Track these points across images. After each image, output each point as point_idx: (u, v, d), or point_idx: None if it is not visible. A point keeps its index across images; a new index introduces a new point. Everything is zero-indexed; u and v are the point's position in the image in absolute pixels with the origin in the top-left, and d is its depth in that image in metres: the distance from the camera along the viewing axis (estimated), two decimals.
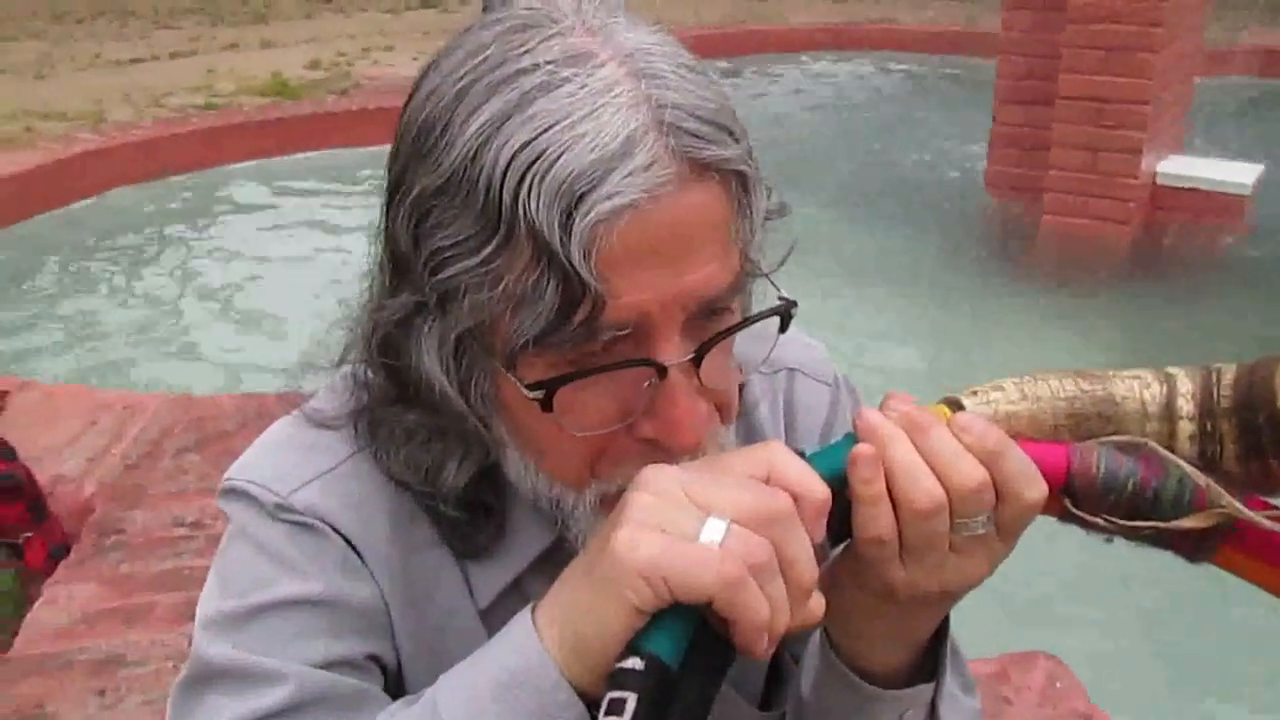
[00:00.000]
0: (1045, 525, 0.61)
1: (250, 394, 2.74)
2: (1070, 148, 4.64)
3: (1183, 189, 4.78)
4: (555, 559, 0.67)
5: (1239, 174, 4.82)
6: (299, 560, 0.66)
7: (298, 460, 0.69)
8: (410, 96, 0.62)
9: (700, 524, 0.52)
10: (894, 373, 3.54)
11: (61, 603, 2.01)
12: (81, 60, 8.39)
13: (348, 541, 0.68)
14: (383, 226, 0.63)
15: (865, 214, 4.92)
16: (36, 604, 2.02)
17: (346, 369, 0.71)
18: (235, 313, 4.11)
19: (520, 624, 0.57)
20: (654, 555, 0.51)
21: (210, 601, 0.67)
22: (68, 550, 2.23)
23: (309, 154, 6.00)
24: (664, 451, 0.59)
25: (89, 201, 5.21)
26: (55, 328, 3.91)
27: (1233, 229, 4.69)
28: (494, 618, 0.69)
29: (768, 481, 0.54)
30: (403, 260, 0.61)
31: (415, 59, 8.25)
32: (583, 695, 0.55)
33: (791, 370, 0.80)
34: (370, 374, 0.69)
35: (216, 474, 2.34)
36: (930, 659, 0.68)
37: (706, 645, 0.53)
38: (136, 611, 1.97)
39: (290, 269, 4.51)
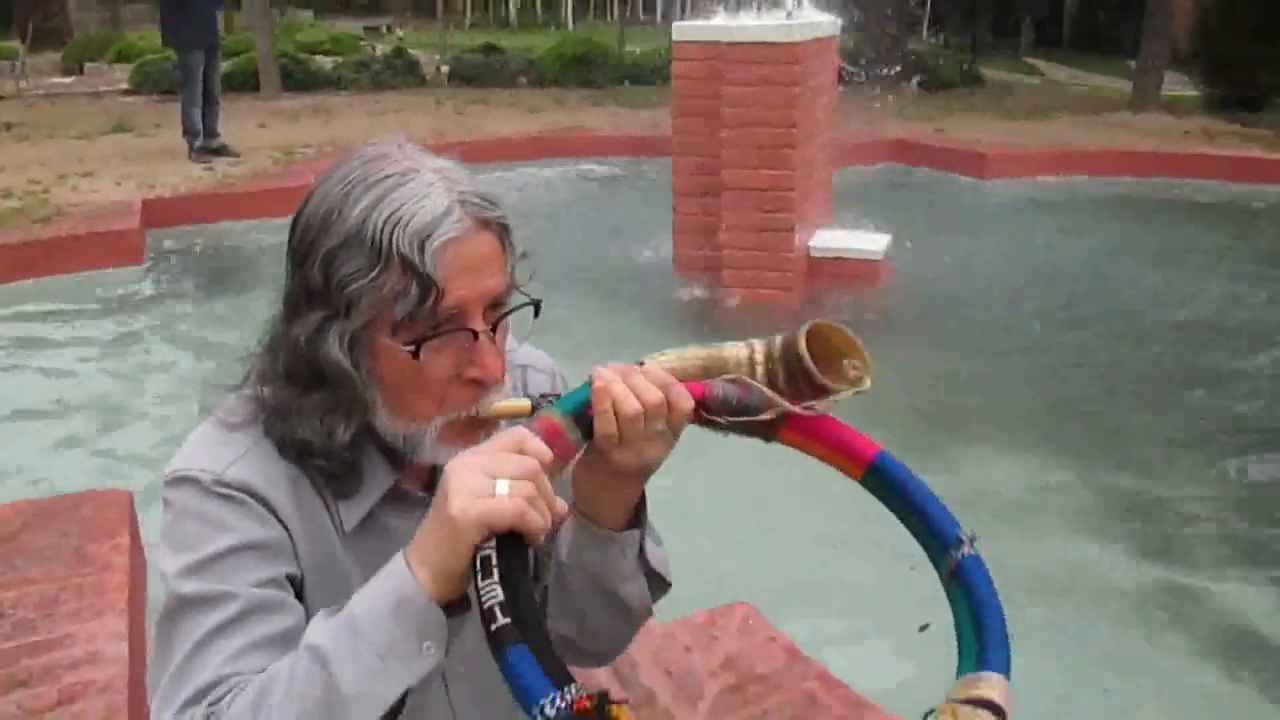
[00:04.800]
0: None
1: (28, 499, 2.92)
2: (738, 230, 5.48)
3: (830, 258, 5.73)
4: (394, 495, 1.12)
5: (873, 243, 5.84)
6: (229, 520, 1.02)
7: (219, 451, 1.06)
8: (306, 201, 1.06)
9: (494, 486, 0.88)
10: None
11: None
12: None
13: (261, 500, 1.04)
14: (292, 278, 1.06)
15: (580, 297, 5.52)
16: None
17: (244, 392, 1.13)
18: None
19: (397, 566, 0.91)
20: (479, 512, 0.87)
21: (173, 560, 1.02)
22: None
23: (23, 282, 5.98)
24: (482, 389, 1.05)
25: None
26: None
27: (872, 287, 5.68)
28: (355, 539, 1.10)
29: (521, 450, 0.92)
30: (316, 291, 1.02)
31: (119, 183, 8.22)
32: (444, 605, 0.90)
33: (523, 366, 1.28)
34: (266, 390, 1.09)
35: (8, 573, 2.54)
36: (636, 518, 1.14)
37: (515, 544, 0.92)
38: None
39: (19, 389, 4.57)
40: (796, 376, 1.06)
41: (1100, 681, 2.71)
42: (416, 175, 1.03)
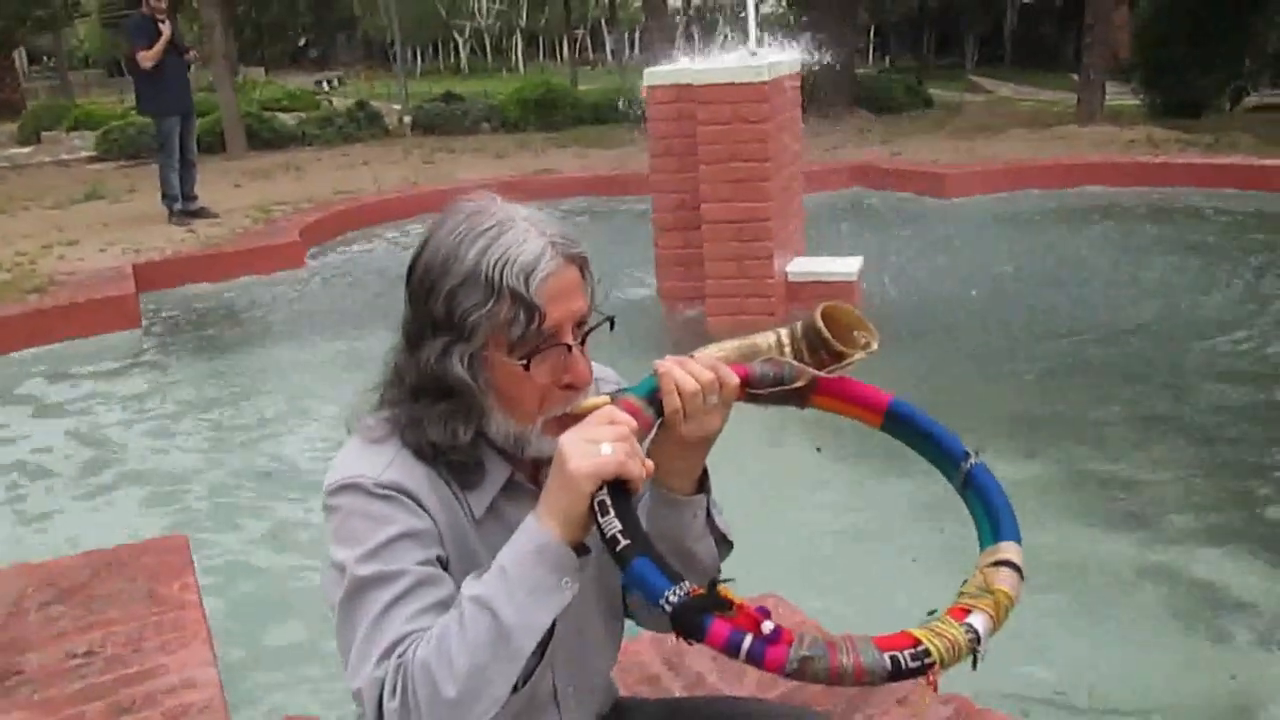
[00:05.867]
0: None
1: (93, 550, 3.11)
2: (720, 260, 5.74)
3: (808, 282, 6.02)
4: (510, 487, 1.34)
5: (846, 266, 6.13)
6: (391, 514, 1.23)
7: (372, 460, 1.26)
8: (422, 250, 1.30)
9: (599, 449, 1.12)
10: None
11: None
12: None
13: (411, 497, 1.24)
14: (415, 313, 1.29)
15: None
16: None
17: (380, 413, 1.37)
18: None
19: (530, 524, 1.15)
20: (592, 466, 1.11)
21: (348, 552, 1.21)
22: None
23: (27, 352, 6.15)
24: (575, 391, 1.28)
25: None
26: None
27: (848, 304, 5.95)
28: (482, 525, 1.32)
29: (612, 421, 1.16)
30: (440, 322, 1.25)
31: (103, 250, 8.39)
32: (575, 547, 1.14)
33: (597, 379, 1.52)
34: (398, 409, 1.32)
35: (89, 616, 2.74)
36: (702, 485, 1.36)
37: (621, 491, 1.19)
38: None
39: (41, 452, 4.74)
40: (818, 349, 1.31)
41: (1081, 644, 2.97)
42: (514, 224, 1.27)
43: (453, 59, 40.69)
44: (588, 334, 1.32)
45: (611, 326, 1.37)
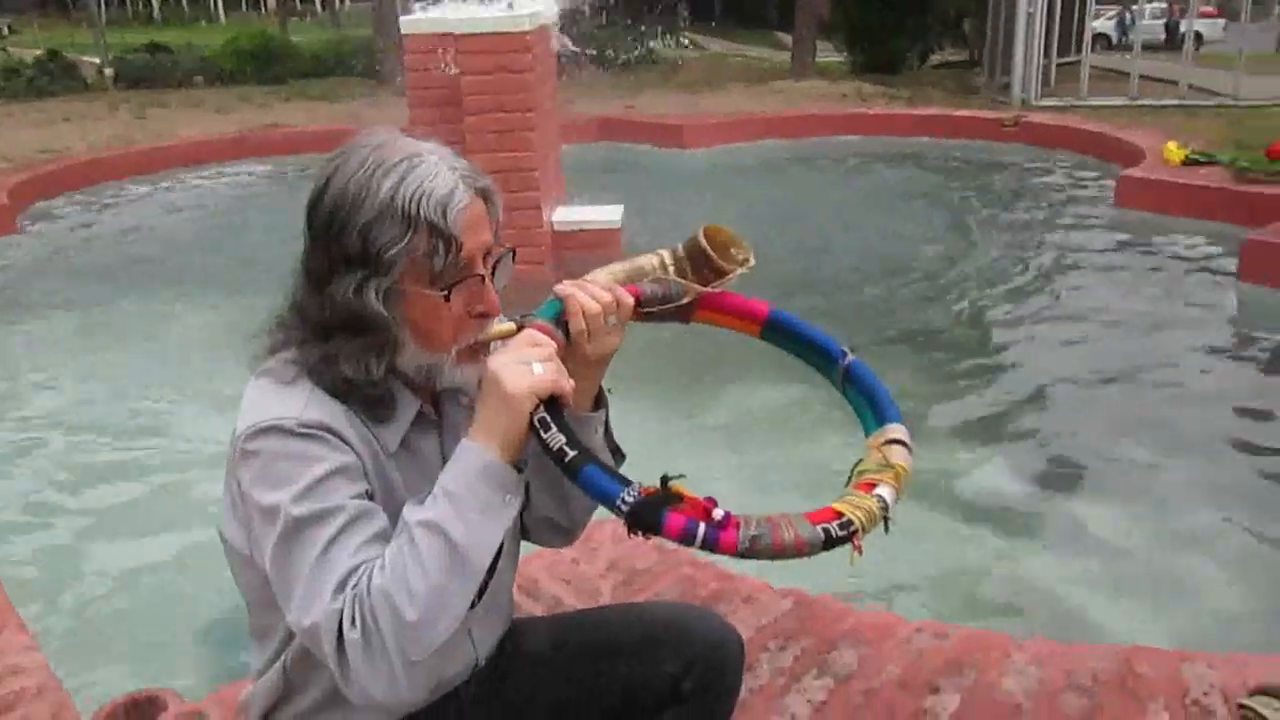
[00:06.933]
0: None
1: None
2: None
3: (573, 231, 6.15)
4: (420, 421, 1.39)
5: (609, 214, 6.30)
6: (318, 452, 1.24)
7: (288, 402, 1.27)
8: (326, 187, 1.29)
9: (531, 369, 1.21)
10: None
11: None
12: None
13: (335, 434, 1.26)
14: (325, 249, 1.28)
15: None
16: None
17: (282, 355, 1.35)
18: None
19: (470, 446, 1.21)
20: (529, 385, 1.19)
21: (278, 494, 1.21)
22: None
23: None
24: (487, 319, 1.33)
25: None
26: None
27: (614, 253, 6.16)
28: (397, 458, 1.36)
29: (536, 344, 1.25)
30: (354, 258, 1.25)
31: None
32: (514, 465, 1.21)
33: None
34: (306, 348, 1.32)
35: None
36: (599, 401, 1.43)
37: (555, 407, 1.27)
38: None
39: None
40: (700, 267, 1.44)
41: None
42: (422, 159, 1.30)
43: (144, 7, 37.54)
44: (496, 264, 1.38)
45: (514, 257, 1.43)
